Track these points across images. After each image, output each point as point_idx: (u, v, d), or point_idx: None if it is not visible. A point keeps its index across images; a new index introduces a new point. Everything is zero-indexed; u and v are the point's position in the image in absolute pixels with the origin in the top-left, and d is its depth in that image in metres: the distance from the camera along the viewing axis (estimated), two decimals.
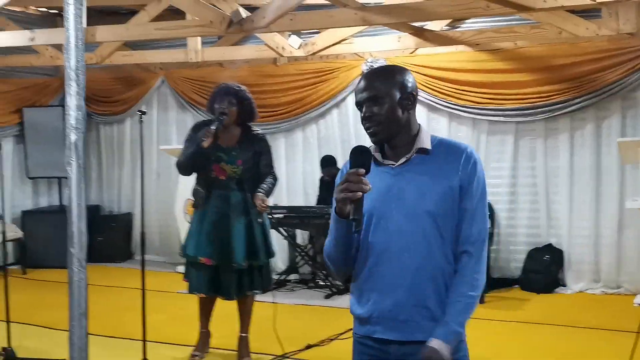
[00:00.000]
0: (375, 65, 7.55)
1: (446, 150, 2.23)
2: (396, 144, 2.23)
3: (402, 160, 2.21)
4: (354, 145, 2.14)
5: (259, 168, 4.83)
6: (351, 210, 2.06)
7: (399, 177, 2.20)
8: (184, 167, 4.84)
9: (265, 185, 4.77)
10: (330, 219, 2.19)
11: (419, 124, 2.28)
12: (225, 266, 4.75)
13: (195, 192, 4.91)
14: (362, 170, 2.05)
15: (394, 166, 2.21)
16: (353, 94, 7.73)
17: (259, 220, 4.82)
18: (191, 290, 4.88)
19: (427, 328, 2.13)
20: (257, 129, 4.91)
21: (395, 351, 2.19)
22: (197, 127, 4.80)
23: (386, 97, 2.19)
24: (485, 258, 2.23)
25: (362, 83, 2.24)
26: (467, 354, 2.26)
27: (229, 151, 4.74)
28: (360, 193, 2.03)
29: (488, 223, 2.29)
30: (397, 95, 2.20)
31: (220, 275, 4.78)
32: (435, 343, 2.09)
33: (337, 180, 2.19)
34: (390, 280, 2.16)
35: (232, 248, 4.71)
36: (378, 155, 2.24)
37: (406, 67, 7.66)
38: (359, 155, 2.10)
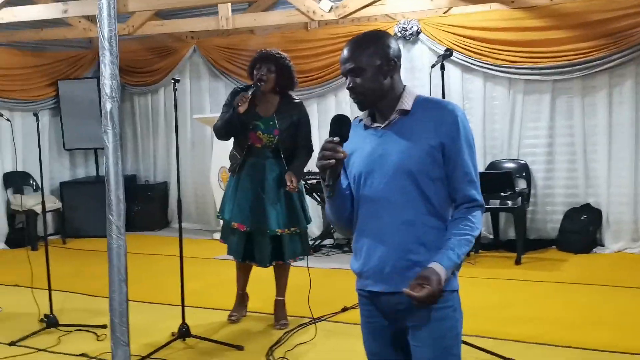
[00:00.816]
0: (407, 28, 7.47)
1: (427, 109, 2.28)
2: (382, 108, 2.32)
3: (386, 122, 2.30)
4: (339, 115, 2.23)
5: (296, 138, 4.81)
6: (326, 177, 2.18)
7: (384, 138, 2.29)
8: (220, 132, 4.84)
9: (297, 162, 4.77)
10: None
11: (404, 85, 2.35)
12: (259, 233, 4.78)
13: (232, 157, 4.93)
14: (337, 139, 2.15)
15: (379, 128, 2.31)
16: None
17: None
18: (229, 253, 4.94)
19: (413, 277, 2.18)
20: (297, 97, 4.88)
21: (385, 302, 2.32)
22: (235, 93, 4.79)
23: (367, 67, 2.26)
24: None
25: (345, 53, 2.30)
26: (457, 305, 2.31)
27: (267, 120, 4.73)
28: (334, 160, 2.13)
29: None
30: (378, 62, 2.26)
31: (254, 242, 4.83)
32: (434, 265, 2.16)
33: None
34: (376, 236, 2.29)
35: (265, 215, 4.73)
36: (368, 120, 2.35)
37: (439, 27, 7.54)
38: (336, 124, 2.19)
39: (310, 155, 4.89)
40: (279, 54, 4.78)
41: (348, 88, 2.32)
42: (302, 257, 4.93)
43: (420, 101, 2.30)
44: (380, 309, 2.35)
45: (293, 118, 4.76)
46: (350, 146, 2.23)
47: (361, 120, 2.39)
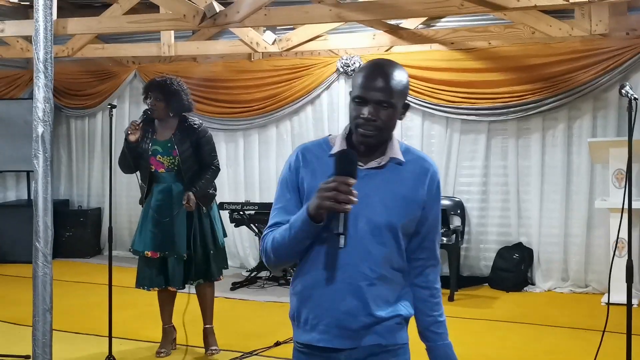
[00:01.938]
0: (350, 63, 7.55)
1: (415, 162, 2.17)
2: (376, 148, 2.14)
3: (373, 164, 2.12)
4: (347, 150, 2.07)
5: (200, 158, 4.83)
6: (336, 224, 1.95)
7: (367, 180, 2.08)
8: (122, 165, 4.87)
9: (201, 182, 4.78)
10: (296, 217, 2.05)
11: None
12: (172, 257, 4.78)
13: (140, 188, 4.92)
14: (354, 181, 1.94)
15: (361, 167, 2.09)
16: (327, 91, 7.66)
17: (204, 210, 4.83)
18: (137, 285, 4.88)
19: (377, 331, 2.12)
20: (195, 119, 4.91)
21: (346, 358, 2.13)
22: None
23: (397, 104, 2.09)
24: None
25: (380, 82, 2.06)
26: (409, 357, 2.28)
27: (164, 143, 4.77)
28: (350, 206, 1.93)
29: None
30: (402, 102, 2.13)
31: (168, 267, 4.81)
32: None
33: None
34: (346, 288, 2.08)
35: (174, 239, 4.74)
36: (338, 147, 2.14)
37: None
38: (347, 162, 1.98)
39: (216, 174, 4.91)
40: (168, 80, 4.83)
41: (365, 118, 2.05)
42: (208, 280, 4.89)
43: (404, 151, 2.17)
44: None
45: (192, 139, 4.79)
46: (312, 171, 2.11)
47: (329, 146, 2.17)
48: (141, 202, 4.91)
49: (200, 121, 4.96)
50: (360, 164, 2.08)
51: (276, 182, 7.50)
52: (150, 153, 4.75)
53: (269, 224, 2.16)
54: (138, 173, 4.88)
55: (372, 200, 2.08)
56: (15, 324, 5.78)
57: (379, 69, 2.09)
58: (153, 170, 4.79)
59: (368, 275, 2.08)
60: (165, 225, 4.76)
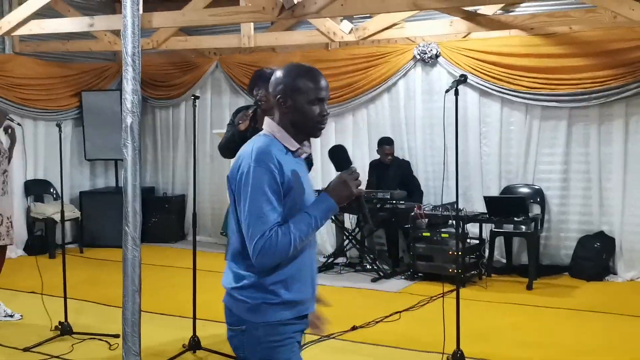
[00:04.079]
0: (427, 51, 7.54)
1: None
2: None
3: (304, 155, 2.46)
4: (335, 145, 2.50)
5: None
6: (357, 206, 2.39)
7: (303, 167, 2.46)
8: (224, 150, 4.99)
9: None
10: (319, 210, 2.31)
11: None
12: None
13: None
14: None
15: (300, 158, 2.44)
16: (404, 79, 7.68)
17: None
18: None
19: None
20: None
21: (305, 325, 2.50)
22: (237, 112, 4.94)
23: None
24: None
25: (324, 82, 2.39)
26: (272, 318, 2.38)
27: None
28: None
29: None
30: None
31: None
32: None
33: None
34: (313, 264, 2.48)
35: None
36: (294, 146, 2.40)
37: (458, 51, 7.64)
38: (346, 154, 2.44)
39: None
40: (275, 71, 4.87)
41: (324, 115, 2.39)
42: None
43: None
44: (302, 330, 2.50)
45: None
46: (287, 169, 2.31)
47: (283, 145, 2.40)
48: None
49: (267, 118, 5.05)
50: (299, 155, 2.43)
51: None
52: None
53: (267, 226, 2.24)
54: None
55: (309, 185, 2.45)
56: (105, 304, 6.08)
57: (317, 72, 2.42)
58: None
59: (315, 251, 2.52)
60: None
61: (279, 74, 2.40)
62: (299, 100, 2.34)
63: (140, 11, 3.49)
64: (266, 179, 2.25)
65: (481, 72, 7.30)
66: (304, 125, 2.37)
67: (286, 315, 2.36)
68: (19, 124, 5.70)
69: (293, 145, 2.38)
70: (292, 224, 2.26)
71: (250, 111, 4.79)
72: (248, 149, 2.33)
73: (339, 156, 2.43)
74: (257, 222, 2.24)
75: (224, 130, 8.42)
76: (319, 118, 2.38)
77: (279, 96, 2.36)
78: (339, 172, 2.40)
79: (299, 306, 2.40)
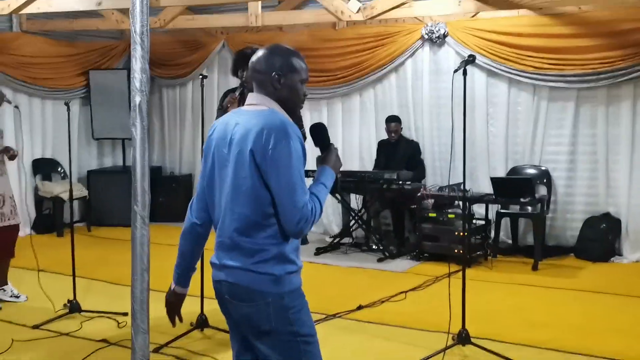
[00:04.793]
0: (435, 30, 7.50)
1: None
2: None
3: None
4: (318, 122, 2.66)
5: None
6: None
7: None
8: None
9: None
10: (327, 179, 2.49)
11: None
12: None
13: None
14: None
15: None
16: (412, 59, 7.61)
17: None
18: None
19: None
20: None
21: None
22: (225, 95, 4.96)
23: None
24: None
25: (304, 64, 2.52)
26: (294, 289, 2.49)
27: None
28: None
29: None
30: None
31: None
32: None
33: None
34: None
35: None
36: None
37: (466, 30, 7.58)
38: (325, 130, 2.63)
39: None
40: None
41: (306, 95, 2.55)
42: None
43: None
44: None
45: None
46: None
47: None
48: None
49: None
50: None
51: (359, 150, 7.65)
52: None
53: (307, 196, 2.37)
54: None
55: None
56: (114, 283, 6.14)
57: (300, 56, 2.53)
58: None
59: None
60: None
61: (269, 52, 2.49)
62: (294, 78, 2.47)
63: None
64: (301, 151, 2.37)
65: (489, 52, 7.27)
66: (292, 103, 2.51)
67: (300, 280, 2.50)
68: (16, 107, 5.70)
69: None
70: (317, 194, 2.41)
71: (236, 93, 4.82)
72: (272, 120, 2.37)
73: (322, 134, 2.61)
74: (301, 192, 2.33)
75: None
76: (303, 98, 2.55)
77: (275, 73, 2.44)
78: (331, 147, 2.56)
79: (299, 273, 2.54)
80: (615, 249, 6.99)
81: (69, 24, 8.58)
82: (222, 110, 4.92)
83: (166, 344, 4.53)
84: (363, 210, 7.59)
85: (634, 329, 4.95)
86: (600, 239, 6.89)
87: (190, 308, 5.06)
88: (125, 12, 8.02)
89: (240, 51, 4.94)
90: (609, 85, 6.87)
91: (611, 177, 7.03)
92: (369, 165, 7.93)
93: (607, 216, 7.00)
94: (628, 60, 6.66)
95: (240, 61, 4.88)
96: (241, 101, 4.90)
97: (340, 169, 2.58)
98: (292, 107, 2.52)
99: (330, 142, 2.60)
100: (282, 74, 2.44)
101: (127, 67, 8.63)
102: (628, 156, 6.89)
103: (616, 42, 6.70)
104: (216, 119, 4.97)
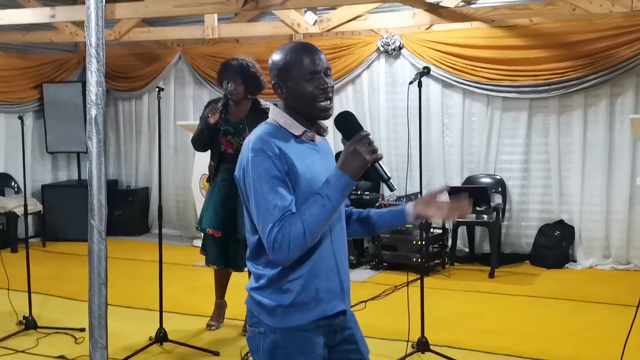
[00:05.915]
0: (390, 42, 7.59)
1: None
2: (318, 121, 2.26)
3: (319, 139, 2.27)
4: (343, 111, 2.23)
5: None
6: (376, 174, 2.13)
7: (321, 155, 2.25)
8: (196, 143, 5.04)
9: None
10: (332, 189, 2.05)
11: None
12: (232, 238, 4.89)
13: (209, 167, 5.08)
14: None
15: (313, 142, 2.24)
16: (368, 71, 7.67)
17: None
18: (206, 263, 5.05)
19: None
20: (268, 103, 4.99)
21: (340, 322, 2.31)
22: (208, 105, 4.95)
23: None
24: None
25: (318, 53, 2.18)
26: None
27: (236, 124, 4.87)
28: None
29: None
30: None
31: (229, 248, 4.93)
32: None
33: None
34: (334, 255, 2.22)
35: (237, 220, 4.83)
36: (299, 130, 2.19)
37: (421, 43, 7.64)
38: (354, 119, 2.20)
39: None
40: (244, 63, 4.84)
41: (325, 88, 2.16)
42: None
43: None
44: (326, 336, 2.25)
45: (262, 121, 4.86)
46: (292, 156, 2.10)
47: (281, 128, 2.20)
48: (209, 180, 5.07)
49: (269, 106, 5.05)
50: (312, 140, 2.23)
51: None
52: (221, 133, 4.87)
53: (276, 217, 2.03)
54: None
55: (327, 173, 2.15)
56: (70, 298, 6.04)
57: (315, 49, 2.20)
58: (222, 150, 4.90)
59: (343, 242, 2.30)
60: (229, 206, 4.86)
61: (270, 60, 2.20)
62: (295, 78, 2.14)
63: (104, 1, 3.46)
64: (266, 166, 2.04)
65: (444, 64, 7.38)
66: (306, 107, 2.16)
67: (306, 318, 2.16)
68: None
69: (298, 129, 2.17)
70: (303, 208, 2.03)
71: (219, 105, 4.81)
72: (246, 140, 2.16)
73: (346, 124, 2.17)
74: (265, 215, 2.03)
75: (189, 123, 8.48)
76: (317, 92, 2.14)
77: (273, 82, 2.18)
78: (350, 141, 2.10)
79: (322, 305, 2.18)
80: (569, 255, 7.14)
81: (22, 36, 8.45)
82: (203, 119, 4.90)
83: (125, 359, 4.47)
84: None
85: (587, 333, 5.06)
86: (554, 246, 7.02)
87: (149, 323, 5.03)
88: (79, 24, 7.95)
89: (225, 62, 4.92)
90: (561, 95, 7.03)
91: (564, 185, 7.19)
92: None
93: (560, 223, 7.14)
94: (579, 71, 6.84)
95: (225, 72, 4.86)
96: (224, 112, 4.87)
97: (372, 158, 2.08)
98: (309, 112, 2.17)
99: (359, 129, 2.14)
100: (281, 80, 2.15)
101: (82, 80, 8.54)
102: (580, 164, 7.06)
103: (567, 53, 6.87)
104: (197, 127, 4.96)
